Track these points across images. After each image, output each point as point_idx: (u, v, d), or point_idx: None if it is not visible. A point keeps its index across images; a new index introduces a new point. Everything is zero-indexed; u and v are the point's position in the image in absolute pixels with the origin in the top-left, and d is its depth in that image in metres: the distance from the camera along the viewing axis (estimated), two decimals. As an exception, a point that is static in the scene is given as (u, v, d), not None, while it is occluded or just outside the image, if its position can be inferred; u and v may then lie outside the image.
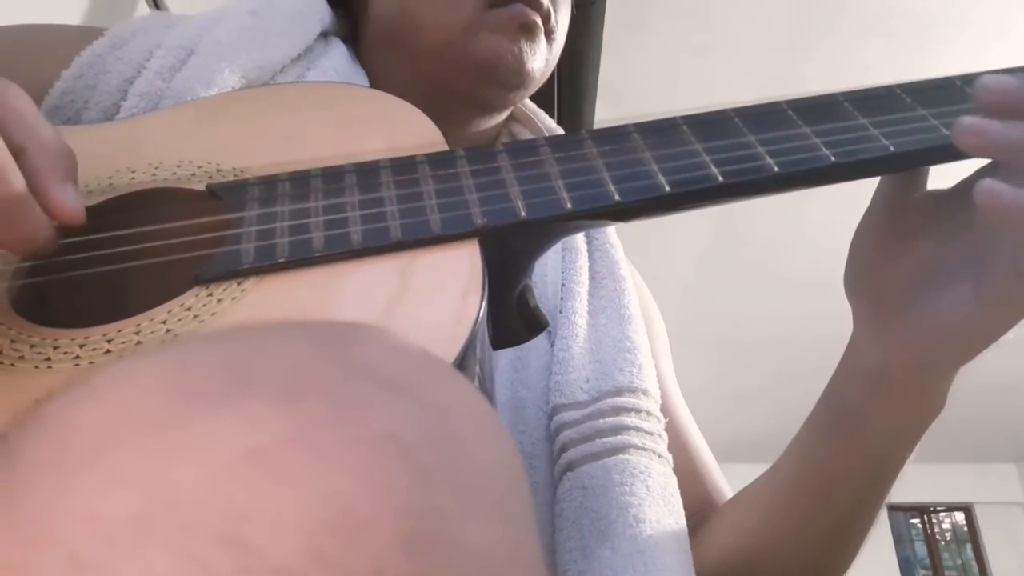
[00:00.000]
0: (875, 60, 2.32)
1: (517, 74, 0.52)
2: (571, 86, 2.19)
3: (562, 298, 0.53)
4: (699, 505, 0.55)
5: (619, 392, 0.48)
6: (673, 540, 0.44)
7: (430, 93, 0.48)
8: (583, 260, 0.55)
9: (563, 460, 0.46)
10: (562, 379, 0.49)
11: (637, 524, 0.43)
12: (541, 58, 0.53)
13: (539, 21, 0.52)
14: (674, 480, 0.48)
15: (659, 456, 0.47)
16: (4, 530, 0.15)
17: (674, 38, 2.28)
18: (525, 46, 0.52)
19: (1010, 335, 0.38)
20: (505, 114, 0.59)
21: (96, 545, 0.14)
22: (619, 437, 0.46)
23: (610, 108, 2.38)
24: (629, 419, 0.47)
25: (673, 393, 0.60)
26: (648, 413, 0.49)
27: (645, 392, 0.49)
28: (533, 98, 0.63)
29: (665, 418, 0.54)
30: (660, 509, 0.45)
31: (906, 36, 2.28)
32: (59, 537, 0.14)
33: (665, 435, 0.49)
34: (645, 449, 0.47)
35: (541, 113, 0.63)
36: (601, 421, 0.47)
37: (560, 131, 0.60)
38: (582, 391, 0.48)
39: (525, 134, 0.61)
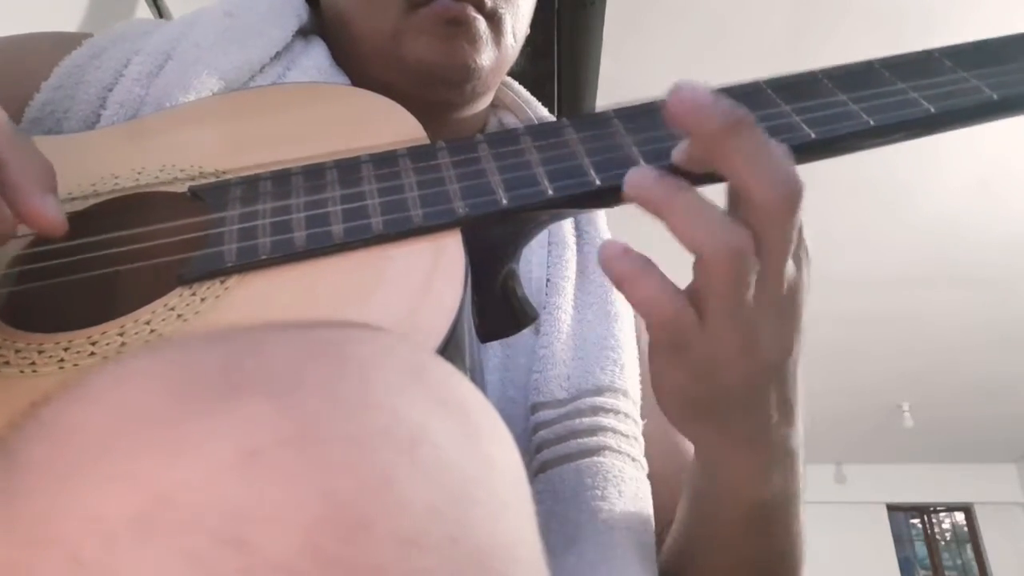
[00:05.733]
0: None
1: (458, 71, 0.50)
2: (571, 86, 2.19)
3: (547, 294, 0.51)
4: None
5: (599, 391, 0.47)
6: (640, 550, 0.43)
7: (392, 95, 0.46)
8: (570, 254, 0.54)
9: (536, 462, 0.45)
10: (541, 377, 0.47)
11: (607, 531, 0.42)
12: (486, 49, 0.51)
13: (471, 12, 0.49)
14: (646, 486, 0.47)
15: (633, 460, 0.46)
16: (4, 530, 0.15)
17: (674, 38, 2.28)
18: (460, 41, 0.49)
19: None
20: (480, 104, 0.57)
21: (96, 544, 0.14)
22: (595, 438, 0.45)
23: (610, 108, 2.38)
24: (607, 420, 0.46)
25: None
26: (626, 415, 0.47)
27: (625, 393, 0.48)
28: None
29: (655, 414, 0.53)
30: (630, 516, 0.44)
31: (908, 37, 2.27)
32: (59, 537, 0.14)
33: (641, 439, 0.48)
34: (620, 452, 0.45)
35: (533, 101, 0.61)
36: (578, 421, 0.46)
37: (552, 119, 0.59)
38: (562, 389, 0.47)
39: (514, 122, 0.59)
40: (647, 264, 0.32)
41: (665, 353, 0.35)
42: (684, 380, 0.35)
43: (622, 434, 0.46)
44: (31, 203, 0.31)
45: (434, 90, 0.51)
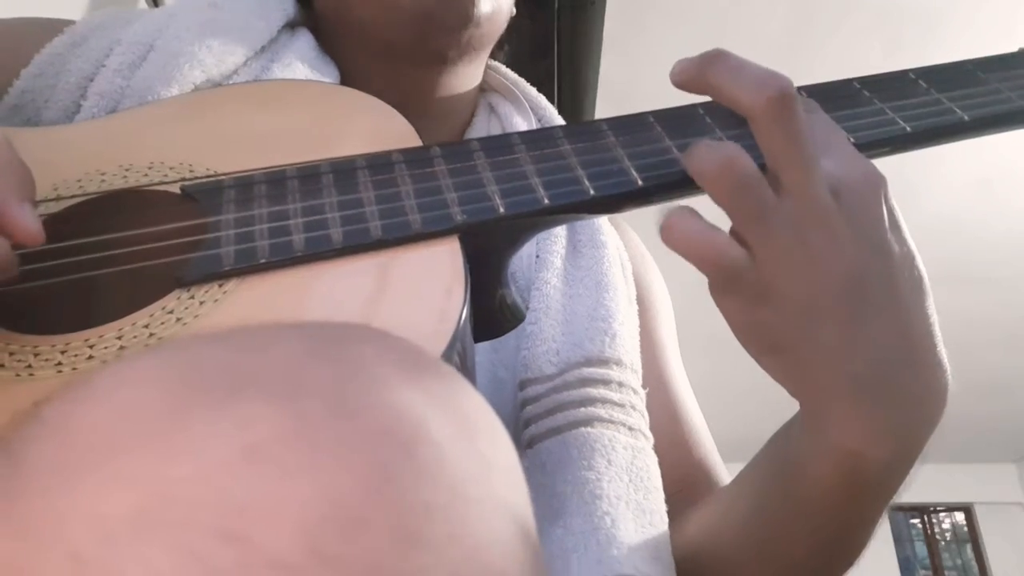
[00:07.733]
0: (878, 61, 2.32)
1: (458, 14, 0.50)
2: (571, 86, 2.19)
3: (536, 269, 0.51)
4: (684, 479, 0.52)
5: (588, 363, 0.46)
6: (640, 516, 0.42)
7: (387, 64, 0.46)
8: (560, 228, 0.53)
9: (524, 437, 0.44)
10: (529, 353, 0.47)
11: (593, 501, 0.41)
12: None
13: None
14: (646, 454, 0.45)
15: (629, 429, 0.45)
16: (6, 530, 0.15)
17: (674, 38, 2.28)
18: None
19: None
20: (473, 67, 0.56)
21: (96, 543, 0.14)
22: (583, 410, 0.44)
23: (610, 108, 2.38)
24: (596, 391, 0.45)
25: (671, 363, 0.58)
26: (620, 384, 0.46)
27: (618, 362, 0.47)
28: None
29: (659, 388, 0.52)
30: (623, 485, 0.43)
31: (909, 37, 2.27)
32: (61, 536, 0.14)
33: (640, 407, 0.47)
34: (612, 422, 0.45)
35: (521, 82, 0.61)
36: (565, 394, 0.45)
37: (543, 99, 0.60)
38: (551, 364, 0.46)
39: (504, 104, 0.59)
40: (683, 213, 0.34)
41: (723, 292, 0.34)
42: (741, 309, 0.34)
43: (614, 403, 0.46)
44: (8, 213, 0.30)
45: (432, 37, 0.51)
